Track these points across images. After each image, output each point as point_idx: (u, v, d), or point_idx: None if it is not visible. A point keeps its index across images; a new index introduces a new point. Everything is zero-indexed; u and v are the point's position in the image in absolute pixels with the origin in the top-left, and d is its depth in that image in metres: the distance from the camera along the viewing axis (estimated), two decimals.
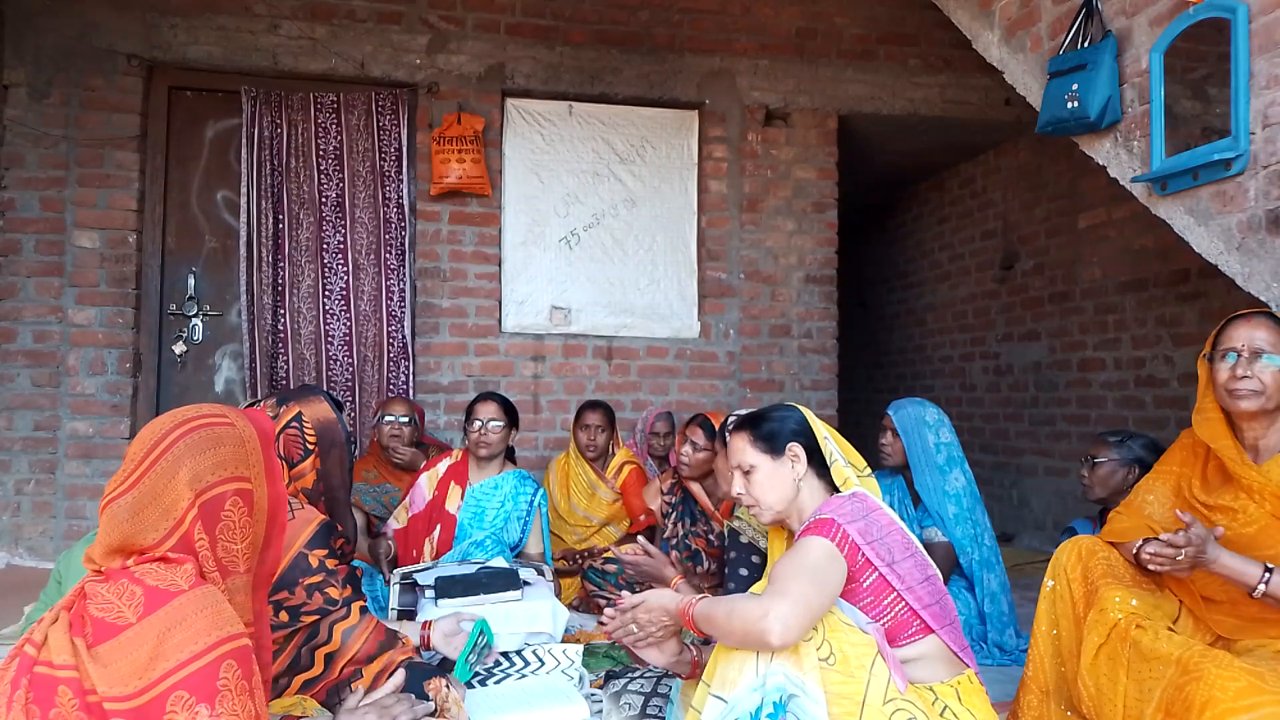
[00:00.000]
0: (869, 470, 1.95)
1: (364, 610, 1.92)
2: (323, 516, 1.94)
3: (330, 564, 1.88)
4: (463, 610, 2.38)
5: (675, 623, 1.78)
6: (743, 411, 2.36)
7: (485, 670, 2.41)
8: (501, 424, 3.35)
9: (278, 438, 2.02)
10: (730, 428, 2.20)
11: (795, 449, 1.91)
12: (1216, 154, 2.27)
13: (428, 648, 2.27)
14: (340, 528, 2.01)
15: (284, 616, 1.80)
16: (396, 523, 3.40)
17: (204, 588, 1.19)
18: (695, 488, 3.29)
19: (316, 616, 1.83)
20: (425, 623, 2.27)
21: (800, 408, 2.02)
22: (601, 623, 3.15)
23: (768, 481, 1.91)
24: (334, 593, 1.85)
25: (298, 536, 1.86)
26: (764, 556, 2.47)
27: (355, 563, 2.80)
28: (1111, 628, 1.83)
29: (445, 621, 2.26)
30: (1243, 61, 2.22)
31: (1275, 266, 2.19)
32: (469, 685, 2.31)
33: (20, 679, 1.12)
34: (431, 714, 1.68)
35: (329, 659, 1.84)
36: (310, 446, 2.04)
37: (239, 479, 1.29)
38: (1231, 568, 1.80)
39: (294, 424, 2.05)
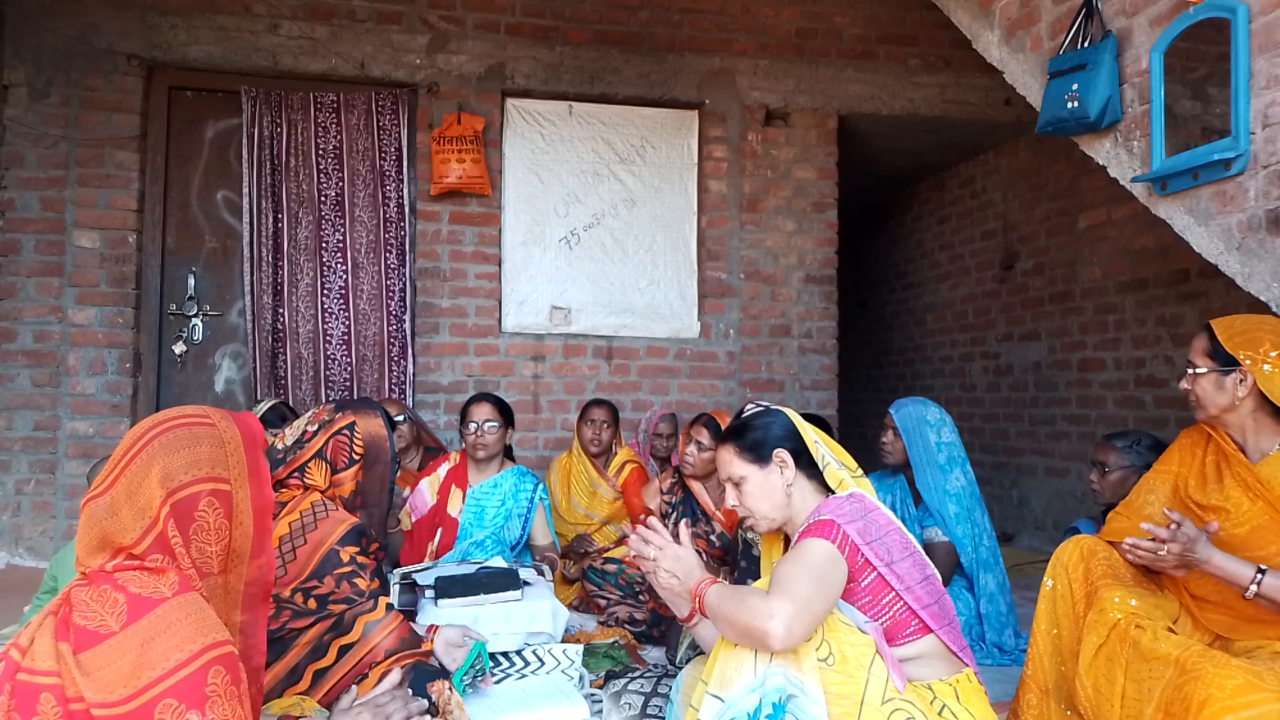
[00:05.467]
0: (861, 471, 1.94)
1: (390, 607, 1.94)
2: (355, 519, 1.96)
3: (360, 559, 1.90)
4: (468, 623, 2.37)
5: (682, 588, 1.78)
6: (759, 402, 2.34)
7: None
8: (497, 424, 3.34)
9: (327, 442, 2.03)
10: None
11: (782, 455, 1.88)
12: (1216, 154, 2.27)
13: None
14: (372, 533, 2.02)
15: (312, 604, 1.82)
16: (403, 526, 3.40)
17: (187, 595, 1.18)
18: (696, 486, 3.29)
19: (344, 606, 1.85)
20: (431, 626, 2.28)
21: (786, 411, 1.99)
22: (602, 622, 3.18)
23: (759, 491, 1.89)
24: (362, 584, 1.87)
25: (331, 534, 1.89)
26: None
27: None
28: (1111, 628, 1.83)
29: (451, 631, 2.26)
30: (1243, 61, 2.22)
31: (1275, 266, 2.19)
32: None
33: (4, 684, 1.12)
34: (426, 712, 1.68)
35: (343, 651, 1.85)
36: (356, 457, 2.06)
37: (214, 479, 1.27)
38: (1224, 568, 1.80)
39: (345, 431, 2.07)
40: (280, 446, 2.02)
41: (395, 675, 1.75)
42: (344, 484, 2.03)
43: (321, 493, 1.99)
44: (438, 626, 2.26)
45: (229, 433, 1.32)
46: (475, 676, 2.14)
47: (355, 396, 4.62)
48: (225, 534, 1.28)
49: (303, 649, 1.81)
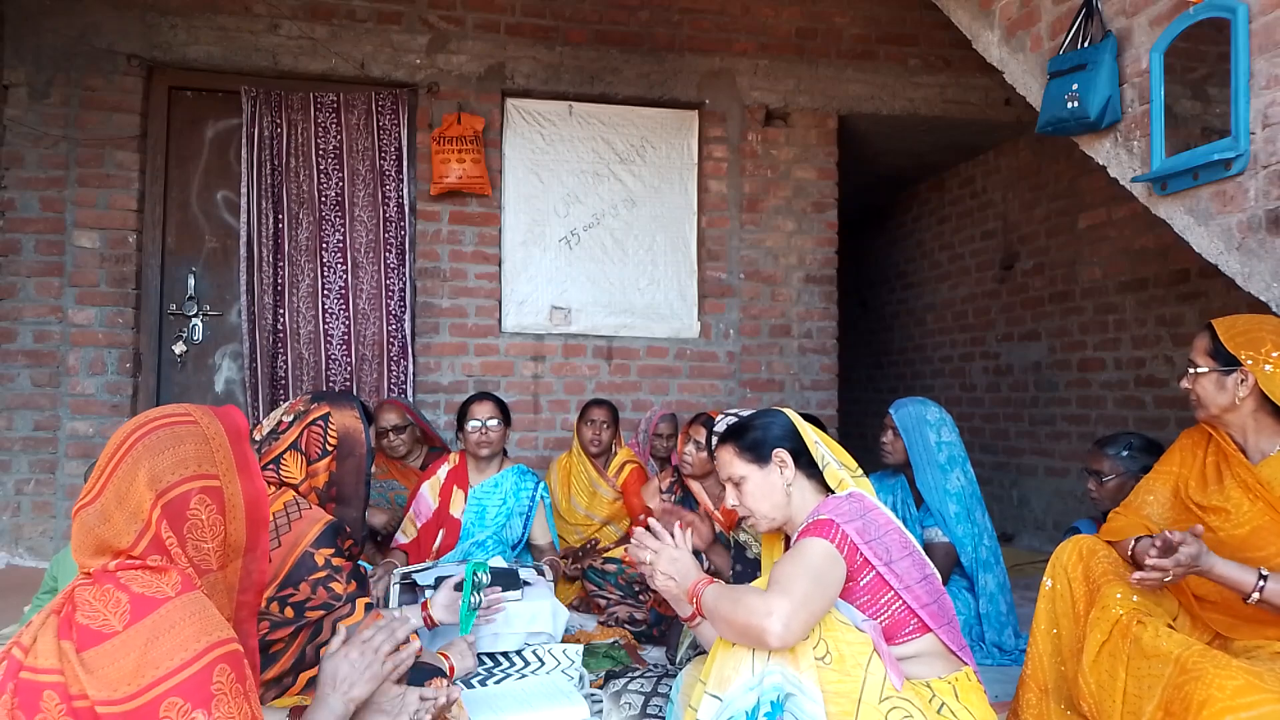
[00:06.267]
0: (860, 471, 1.95)
1: (369, 607, 1.92)
2: (330, 517, 1.94)
3: (336, 561, 1.88)
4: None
5: (680, 590, 1.81)
6: (735, 411, 2.35)
7: (485, 670, 2.41)
8: (500, 422, 3.37)
9: (302, 433, 2.02)
10: (716, 437, 2.19)
11: (781, 455, 1.89)
12: (1216, 154, 2.27)
13: (432, 626, 2.29)
14: (348, 529, 2.01)
15: (289, 613, 1.80)
16: (405, 536, 3.40)
17: (190, 594, 1.18)
18: (695, 486, 3.29)
19: (322, 612, 1.83)
20: (423, 603, 2.29)
21: (786, 411, 2.00)
22: (602, 622, 3.18)
23: (758, 491, 1.89)
24: (338, 588, 1.85)
25: (305, 535, 1.86)
26: None
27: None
28: (1114, 624, 1.83)
29: (441, 593, 2.27)
30: (1243, 61, 2.22)
31: (1275, 266, 2.19)
32: (479, 669, 2.33)
33: (6, 683, 1.12)
34: (414, 633, 1.67)
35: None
36: (329, 448, 2.05)
37: (203, 476, 1.26)
38: (1227, 576, 1.79)
39: (319, 422, 2.06)
40: (256, 437, 2.02)
41: (375, 615, 1.73)
42: (318, 475, 2.02)
43: (295, 489, 1.98)
44: (428, 601, 2.27)
45: (212, 428, 1.30)
46: (480, 589, 2.15)
47: (356, 392, 4.62)
48: (220, 529, 1.27)
49: (287, 661, 1.80)
